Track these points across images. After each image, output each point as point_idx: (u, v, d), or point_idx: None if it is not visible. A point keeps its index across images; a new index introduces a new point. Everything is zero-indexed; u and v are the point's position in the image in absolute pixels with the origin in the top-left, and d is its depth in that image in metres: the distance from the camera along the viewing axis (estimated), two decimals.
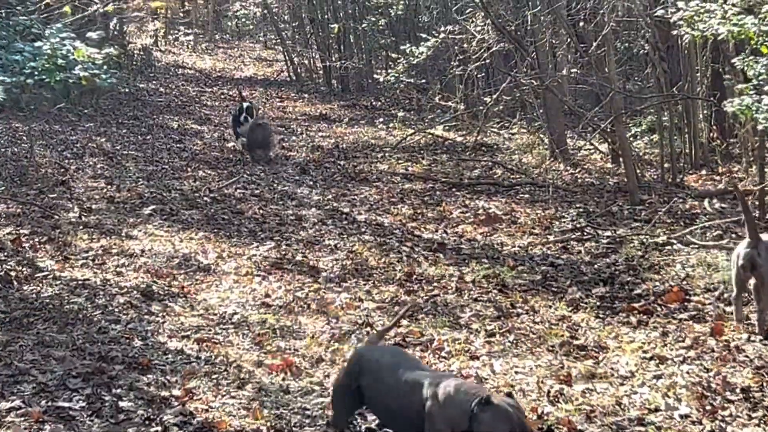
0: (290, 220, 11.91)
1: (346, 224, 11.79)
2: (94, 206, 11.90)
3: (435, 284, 9.55)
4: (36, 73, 7.91)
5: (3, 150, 14.20)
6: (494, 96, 17.31)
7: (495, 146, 16.96)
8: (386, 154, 16.29)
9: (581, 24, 15.47)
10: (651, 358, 7.71)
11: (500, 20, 16.33)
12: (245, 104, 16.45)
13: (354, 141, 17.96)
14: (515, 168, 15.03)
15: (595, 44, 13.49)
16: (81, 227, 10.89)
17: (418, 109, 21.89)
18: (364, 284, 9.48)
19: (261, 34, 35.51)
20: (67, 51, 8.11)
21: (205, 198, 12.76)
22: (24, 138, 15.61)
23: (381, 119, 20.65)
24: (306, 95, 24.93)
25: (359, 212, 12.44)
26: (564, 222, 12.00)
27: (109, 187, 12.98)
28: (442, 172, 14.81)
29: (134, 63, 27.63)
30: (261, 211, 12.29)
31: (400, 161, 15.68)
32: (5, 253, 9.81)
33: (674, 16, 10.46)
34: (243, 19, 35.97)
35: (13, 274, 9.20)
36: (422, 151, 16.59)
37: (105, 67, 8.38)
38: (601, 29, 13.40)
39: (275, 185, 13.96)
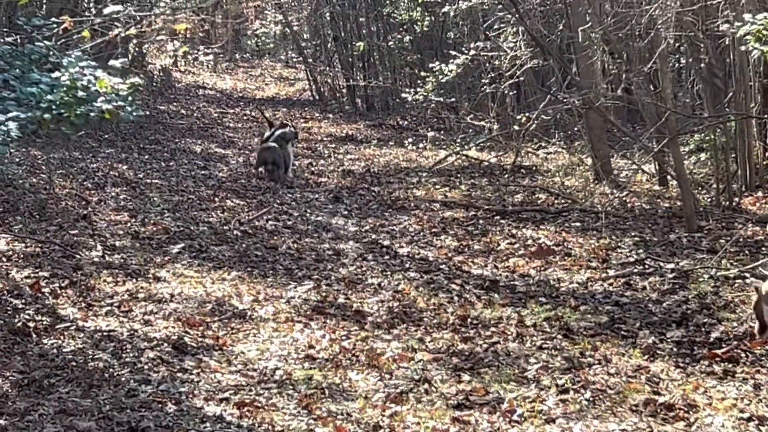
0: (328, 255, 11.00)
1: (388, 259, 10.88)
2: (118, 243, 11.00)
3: (493, 329, 8.62)
4: (54, 106, 7.00)
5: (21, 182, 13.29)
6: (534, 115, 16.36)
7: (534, 168, 16.03)
8: (421, 179, 15.37)
9: (623, 37, 14.55)
10: (749, 419, 6.76)
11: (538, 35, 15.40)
12: (278, 131, 15.62)
13: (385, 164, 17.06)
14: (559, 192, 14.09)
15: (651, 62, 12.50)
16: (104, 268, 9.98)
17: (448, 128, 20.99)
18: (415, 330, 8.56)
19: (282, 53, 34.65)
20: (88, 81, 7.21)
21: (235, 231, 11.85)
22: (43, 167, 14.73)
23: (410, 139, 19.75)
24: (330, 115, 24.04)
25: (400, 245, 11.52)
26: (621, 253, 11.06)
27: (133, 220, 12.08)
28: (482, 198, 13.88)
29: (154, 84, 26.82)
30: (296, 245, 11.38)
31: (436, 186, 14.75)
32: (23, 300, 8.90)
33: (740, 30, 9.50)
34: (263, 38, 35.13)
35: (32, 325, 8.29)
36: (458, 175, 15.67)
37: (130, 98, 7.47)
38: (654, 45, 12.44)
39: (308, 215, 13.05)
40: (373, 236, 11.91)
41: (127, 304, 8.89)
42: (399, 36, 23.80)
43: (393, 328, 8.56)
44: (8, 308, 8.68)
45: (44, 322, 8.38)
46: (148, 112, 22.28)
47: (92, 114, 7.14)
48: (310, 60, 27.69)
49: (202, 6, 28.10)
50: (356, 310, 9.03)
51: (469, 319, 8.84)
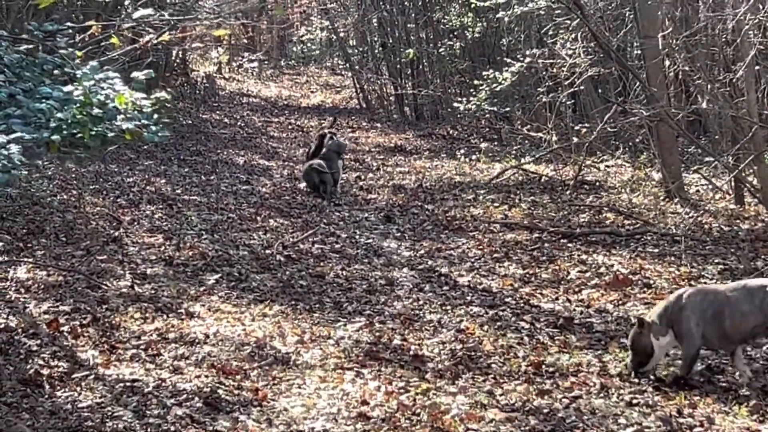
0: (380, 285, 9.79)
1: (447, 290, 9.65)
2: (149, 270, 9.83)
3: (572, 379, 7.37)
4: (65, 126, 5.82)
5: (49, 199, 12.17)
6: (598, 126, 15.09)
7: (598, 183, 14.75)
8: (478, 195, 14.12)
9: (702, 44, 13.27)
10: None
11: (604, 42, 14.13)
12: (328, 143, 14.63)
13: (438, 178, 15.83)
14: (628, 211, 12.80)
15: (740, 71, 11.20)
16: (133, 301, 8.82)
17: (501, 139, 19.74)
18: (483, 381, 7.33)
19: (328, 60, 33.50)
20: (105, 96, 6.03)
21: (278, 257, 10.67)
22: (75, 182, 13.62)
23: (462, 150, 18.51)
24: (378, 124, 22.86)
25: (460, 272, 10.29)
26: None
27: (167, 243, 10.92)
28: (546, 218, 12.61)
29: (197, 92, 25.75)
30: (345, 273, 10.18)
31: (495, 204, 13.50)
32: (39, 341, 7.77)
33: None
34: (309, 44, 34.00)
35: (45, 372, 7.15)
36: (517, 191, 14.42)
37: (156, 116, 6.28)
38: (739, 52, 11.15)
39: (358, 237, 11.85)
40: (429, 262, 10.69)
41: (155, 347, 7.71)
42: (449, 43, 22.57)
43: (458, 378, 7.33)
44: (21, 351, 7.56)
45: (60, 369, 7.24)
46: (190, 122, 21.26)
47: (110, 134, 5.94)
48: (357, 67, 26.51)
49: (243, 11, 27.01)
50: (414, 354, 7.80)
51: (543, 366, 7.60)
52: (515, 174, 15.54)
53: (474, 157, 17.71)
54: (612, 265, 10.47)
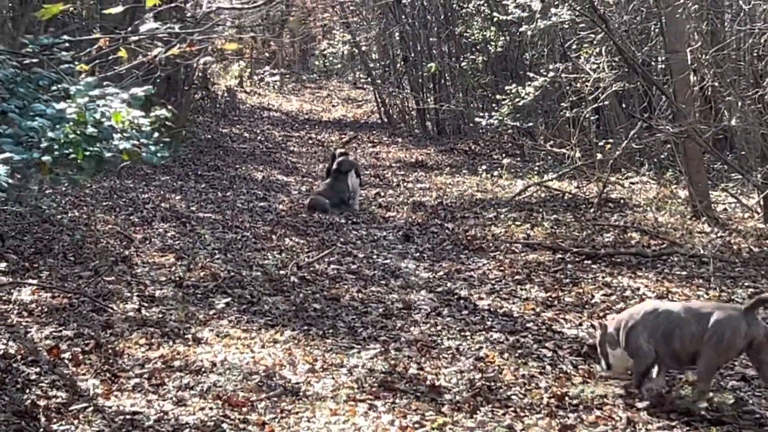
0: (397, 309, 9.35)
1: (467, 314, 9.20)
2: (158, 293, 9.43)
3: (597, 413, 6.92)
4: (57, 146, 5.42)
5: (59, 217, 11.80)
6: (622, 143, 14.67)
7: (622, 201, 14.28)
8: (499, 213, 13.68)
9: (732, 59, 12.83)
10: None
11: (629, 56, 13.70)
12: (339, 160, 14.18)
13: (459, 195, 15.40)
14: (653, 231, 12.34)
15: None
16: (138, 326, 8.41)
17: (524, 155, 19.30)
18: (503, 414, 6.88)
19: (349, 74, 33.13)
20: (101, 115, 5.62)
21: (292, 278, 10.25)
22: (88, 199, 13.25)
23: (484, 166, 18.12)
24: (399, 139, 22.48)
25: (479, 295, 9.85)
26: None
27: (178, 263, 10.52)
28: (569, 238, 12.15)
29: (218, 106, 25.43)
30: (360, 296, 9.76)
31: (517, 222, 13.05)
32: (38, 369, 7.36)
33: None
34: (330, 58, 33.64)
35: (42, 404, 6.74)
36: (540, 209, 13.97)
37: (156, 135, 5.88)
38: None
39: (375, 257, 11.43)
40: (449, 284, 10.25)
41: (159, 375, 7.30)
42: (472, 57, 22.16)
43: (476, 412, 6.88)
44: (19, 380, 7.15)
45: (58, 400, 6.82)
46: (209, 136, 20.92)
47: (107, 155, 5.54)
48: (379, 81, 26.14)
49: (264, 24, 26.62)
50: (431, 384, 7.36)
51: (567, 398, 7.15)
52: (538, 191, 15.10)
53: (496, 172, 17.30)
54: (638, 288, 10.02)
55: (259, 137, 22.22)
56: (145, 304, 9.03)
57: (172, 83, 19.97)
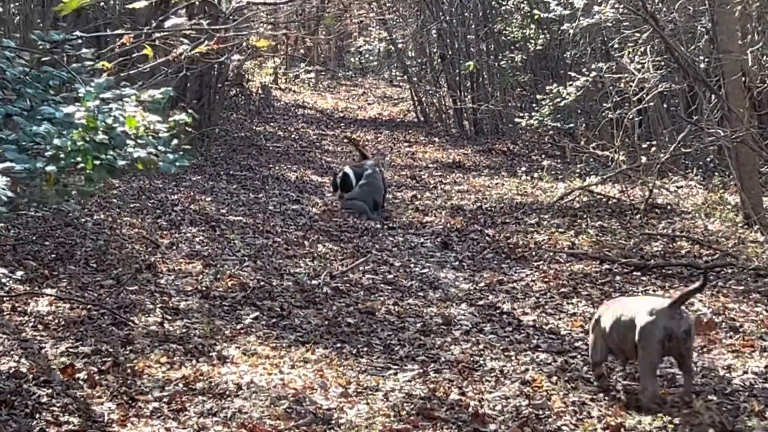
0: (435, 324, 8.70)
1: (510, 331, 8.55)
2: (182, 304, 8.82)
3: None
4: (63, 154, 4.80)
5: (84, 220, 11.21)
6: (671, 147, 13.97)
7: (669, 207, 13.57)
8: (541, 219, 13.00)
9: None
10: None
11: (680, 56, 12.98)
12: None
13: (498, 199, 14.73)
14: (704, 240, 11.64)
15: None
16: (160, 342, 7.80)
17: (565, 156, 18.59)
18: None
19: (385, 71, 32.46)
20: (113, 120, 5.00)
21: (324, 288, 9.62)
22: (114, 200, 12.67)
23: (523, 168, 17.44)
24: (436, 139, 21.80)
25: (523, 310, 9.19)
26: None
27: (206, 271, 9.91)
28: (616, 246, 11.46)
29: (252, 103, 24.83)
30: (397, 309, 9.12)
31: (560, 229, 12.38)
32: (50, 390, 6.75)
33: None
34: (366, 55, 32.99)
35: (52, 431, 6.12)
36: (584, 214, 13.28)
37: (174, 141, 5.25)
38: None
39: (412, 266, 10.79)
40: (490, 297, 9.60)
41: (179, 399, 6.68)
42: (511, 55, 21.47)
43: None
44: (29, 403, 6.54)
45: (70, 427, 6.22)
46: (243, 134, 20.32)
47: (121, 163, 4.91)
48: (415, 79, 25.46)
49: (299, 21, 25.96)
50: (474, 412, 6.70)
51: (623, 430, 6.48)
52: (580, 195, 14.40)
53: (536, 174, 16.62)
54: (692, 304, 9.32)
55: (293, 135, 21.61)
56: (169, 317, 8.42)
57: (205, 80, 19.40)
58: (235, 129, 21.18)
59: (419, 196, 15.04)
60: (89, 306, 8.45)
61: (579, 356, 7.88)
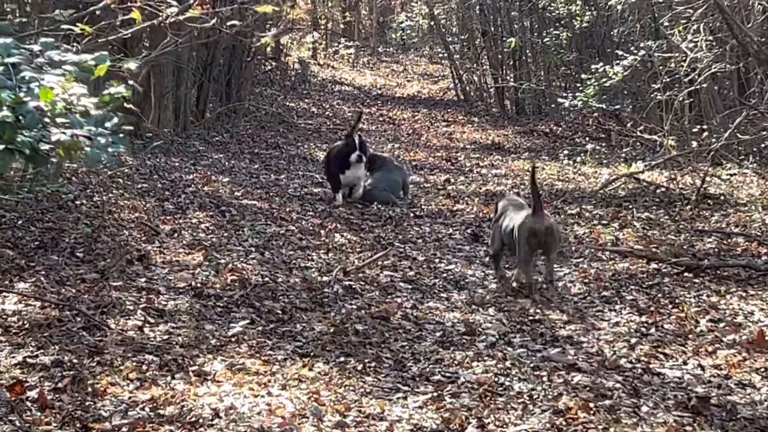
0: (457, 333, 7.43)
1: (543, 344, 7.25)
2: (170, 304, 7.59)
3: None
4: None
5: (79, 202, 10.01)
6: (726, 132, 12.59)
7: (723, 198, 12.19)
8: (583, 209, 11.67)
9: None
10: None
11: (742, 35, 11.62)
12: (356, 139, 12.09)
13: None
14: (762, 237, 10.28)
15: None
16: (135, 351, 6.56)
17: (609, 139, 17.24)
18: None
19: (427, 48, 31.10)
20: (28, 91, 3.75)
21: (335, 287, 8.36)
22: (121, 180, 11.46)
23: (565, 151, 16.11)
24: (475, 119, 20.50)
25: (560, 318, 7.88)
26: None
27: (205, 264, 8.68)
28: (664, 243, 10.12)
29: (288, 78, 23.59)
30: (415, 314, 7.85)
31: (603, 222, 11.06)
32: None
33: None
34: (408, 31, 31.62)
35: None
36: (629, 205, 11.94)
37: (109, 123, 3.99)
38: None
39: (437, 262, 9.52)
40: (521, 300, 8.29)
41: (143, 429, 5.44)
42: (555, 32, 20.07)
43: None
44: None
45: None
46: (274, 110, 19.07)
47: (29, 151, 3.67)
48: (457, 56, 24.12)
49: None
50: None
51: None
52: (626, 182, 13.05)
53: (579, 159, 15.30)
54: (752, 313, 8.02)
55: (327, 113, 20.37)
56: (151, 321, 7.18)
57: (237, 53, 18.19)
58: (266, 104, 19.95)
59: (452, 180, 13.76)
60: (61, 305, 7.22)
61: (622, 379, 6.58)
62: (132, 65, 6.67)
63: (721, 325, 7.72)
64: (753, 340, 7.30)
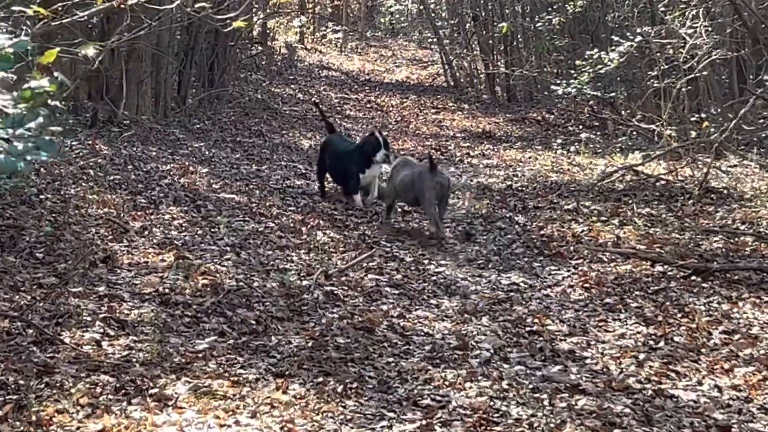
0: (448, 347, 6.68)
1: (542, 361, 6.51)
2: (133, 313, 6.82)
3: None
4: None
5: (42, 198, 9.24)
6: (731, 123, 11.86)
7: (727, 193, 11.47)
8: (580, 204, 10.93)
9: None
10: None
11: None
12: (379, 136, 11.05)
13: (531, 177, 12.68)
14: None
15: None
16: (89, 371, 5.80)
17: (604, 128, 16.50)
18: None
19: (416, 33, 30.29)
20: None
21: (316, 292, 7.61)
22: (92, 172, 10.70)
23: (558, 140, 15.38)
24: (465, 105, 19.75)
25: (559, 328, 7.15)
26: None
27: (176, 265, 7.91)
28: (668, 242, 9.39)
29: (274, 64, 22.79)
30: (402, 324, 7.10)
31: (602, 218, 10.32)
32: None
33: None
34: (397, 15, 30.81)
35: None
36: (629, 199, 11.21)
37: (40, 119, 3.22)
38: None
39: (426, 262, 8.78)
40: (518, 309, 7.56)
41: None
42: (548, 17, 19.27)
43: None
44: None
45: None
46: (259, 96, 18.29)
47: None
48: (446, 41, 23.33)
49: None
50: None
51: None
52: (624, 175, 12.31)
53: (573, 148, 14.56)
54: (767, 323, 7.28)
55: (313, 99, 19.56)
56: (110, 333, 6.42)
57: (221, 39, 17.37)
58: (251, 90, 19.17)
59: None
60: (11, 317, 6.46)
61: (630, 402, 5.84)
62: (90, 51, 5.93)
63: (736, 337, 6.99)
64: None
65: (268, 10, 22.79)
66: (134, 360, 6.01)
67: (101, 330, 6.43)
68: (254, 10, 21.33)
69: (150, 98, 14.84)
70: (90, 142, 12.30)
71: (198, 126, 15.19)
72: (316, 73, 23.39)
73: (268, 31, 24.14)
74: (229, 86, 17.80)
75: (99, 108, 13.55)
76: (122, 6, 6.09)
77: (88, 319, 6.57)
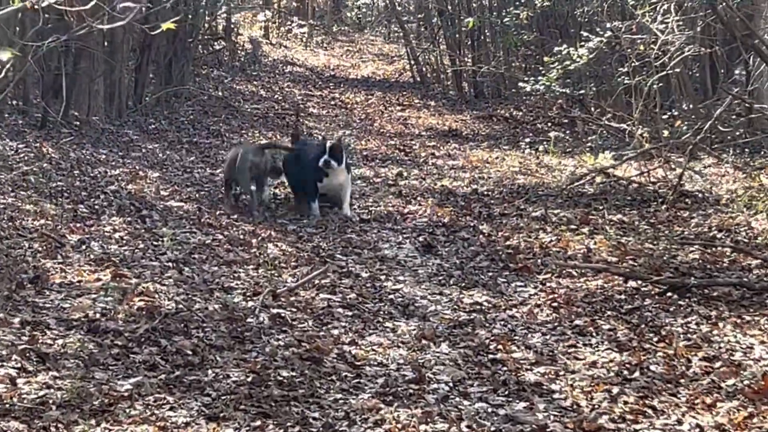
0: (403, 380, 5.99)
1: (506, 396, 5.84)
2: (56, 345, 6.11)
3: None
4: None
5: None
6: (707, 123, 11.25)
7: (701, 196, 10.85)
8: (548, 211, 10.28)
9: None
10: None
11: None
12: (329, 142, 10.28)
13: (498, 179, 12.03)
14: (750, 244, 8.95)
15: None
16: None
17: (573, 125, 15.88)
18: None
19: (382, 27, 29.58)
20: None
21: (261, 316, 6.92)
22: (33, 179, 9.97)
23: (527, 139, 14.77)
24: (432, 102, 19.09)
25: (525, 356, 6.48)
26: None
27: (111, 286, 7.20)
28: (642, 253, 8.75)
29: (237, 59, 22.03)
30: (354, 353, 6.43)
31: (571, 226, 9.68)
32: None
33: None
34: (364, 10, 30.10)
35: None
36: (599, 204, 10.58)
37: None
38: None
39: (383, 279, 8.11)
40: (481, 333, 6.89)
41: None
42: (516, 11, 18.60)
43: None
44: None
45: None
46: (220, 93, 17.56)
47: None
48: (413, 36, 22.64)
49: None
50: None
51: None
52: (594, 176, 11.68)
53: (541, 147, 13.93)
54: (751, 348, 6.67)
55: (276, 96, 18.87)
56: (29, 369, 5.71)
57: (179, 35, 16.60)
58: (211, 87, 18.43)
59: (405, 175, 12.34)
60: None
61: None
62: (3, 55, 5.25)
63: (717, 364, 6.35)
64: (760, 388, 5.92)
65: (231, 4, 22.05)
66: (51, 402, 5.30)
67: (18, 365, 5.72)
68: (219, 4, 20.63)
69: (102, 98, 14.08)
70: (38, 144, 11.57)
71: (154, 126, 14.46)
72: (280, 69, 22.64)
73: (232, 26, 23.36)
74: (188, 83, 17.05)
75: (51, 108, 12.80)
76: (35, 8, 5.37)
77: (4, 352, 5.85)
